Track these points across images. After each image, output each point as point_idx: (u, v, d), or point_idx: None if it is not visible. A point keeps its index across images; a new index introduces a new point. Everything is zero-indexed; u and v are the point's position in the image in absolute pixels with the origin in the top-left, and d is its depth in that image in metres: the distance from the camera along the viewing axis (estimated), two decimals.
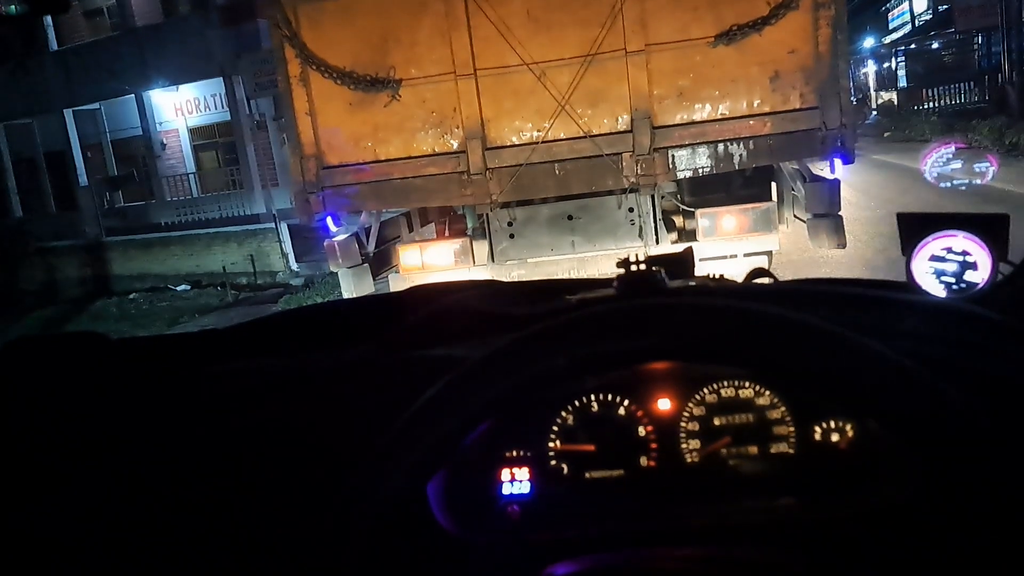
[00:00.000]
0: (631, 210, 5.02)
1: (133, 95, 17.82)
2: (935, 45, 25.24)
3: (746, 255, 4.85)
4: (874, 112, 27.60)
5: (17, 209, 20.26)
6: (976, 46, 22.75)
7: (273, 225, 13.84)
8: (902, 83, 26.71)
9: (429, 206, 5.88)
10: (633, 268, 0.88)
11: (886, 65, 29.33)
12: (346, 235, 5.17)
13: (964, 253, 0.98)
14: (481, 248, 5.21)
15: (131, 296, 14.55)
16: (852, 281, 1.13)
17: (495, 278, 3.85)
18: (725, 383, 0.90)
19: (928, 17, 25.14)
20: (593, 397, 0.91)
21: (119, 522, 0.85)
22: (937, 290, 0.99)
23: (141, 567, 0.83)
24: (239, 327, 1.20)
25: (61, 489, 0.86)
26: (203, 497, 0.85)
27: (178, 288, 14.63)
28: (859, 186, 10.99)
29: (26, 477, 0.88)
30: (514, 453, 0.91)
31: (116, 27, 18.55)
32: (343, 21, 4.70)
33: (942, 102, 22.77)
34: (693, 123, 4.61)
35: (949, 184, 1.28)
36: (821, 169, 4.97)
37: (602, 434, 0.91)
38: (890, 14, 29.30)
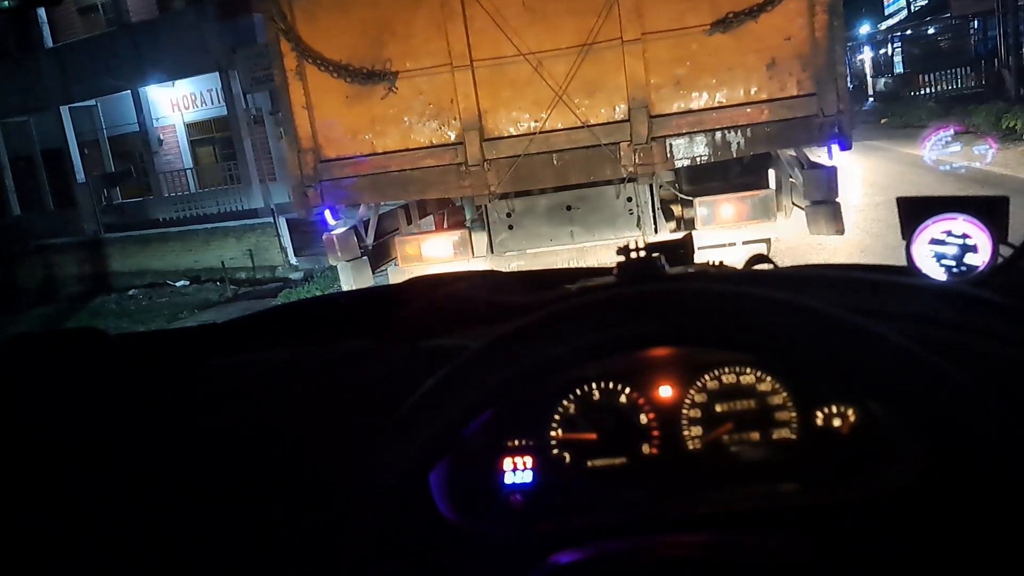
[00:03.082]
0: (629, 200, 5.00)
1: (129, 91, 17.76)
2: (931, 30, 25.18)
3: (745, 243, 4.84)
4: (871, 98, 27.53)
5: (15, 207, 20.22)
6: (972, 31, 22.71)
7: (271, 219, 13.79)
8: (899, 69, 26.66)
9: (427, 198, 5.86)
10: (633, 255, 0.88)
11: (883, 51, 29.25)
12: (345, 228, 5.16)
13: (964, 236, 0.98)
14: (480, 239, 5.19)
15: (130, 292, 14.54)
16: (852, 266, 1.13)
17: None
18: (727, 369, 0.90)
19: (924, 2, 25.04)
20: (594, 385, 0.91)
21: (120, 519, 0.85)
22: (937, 273, 0.98)
23: (143, 563, 0.83)
24: (238, 321, 1.20)
25: (62, 486, 0.86)
26: (204, 491, 0.85)
27: (177, 284, 14.61)
28: (857, 173, 10.98)
29: (26, 475, 0.88)
30: (516, 442, 0.91)
31: (111, 23, 18.45)
32: (338, 14, 4.68)
33: (939, 87, 22.72)
34: (690, 111, 4.59)
35: (948, 168, 1.28)
36: (819, 156, 4.96)
37: (604, 422, 0.91)
38: None
